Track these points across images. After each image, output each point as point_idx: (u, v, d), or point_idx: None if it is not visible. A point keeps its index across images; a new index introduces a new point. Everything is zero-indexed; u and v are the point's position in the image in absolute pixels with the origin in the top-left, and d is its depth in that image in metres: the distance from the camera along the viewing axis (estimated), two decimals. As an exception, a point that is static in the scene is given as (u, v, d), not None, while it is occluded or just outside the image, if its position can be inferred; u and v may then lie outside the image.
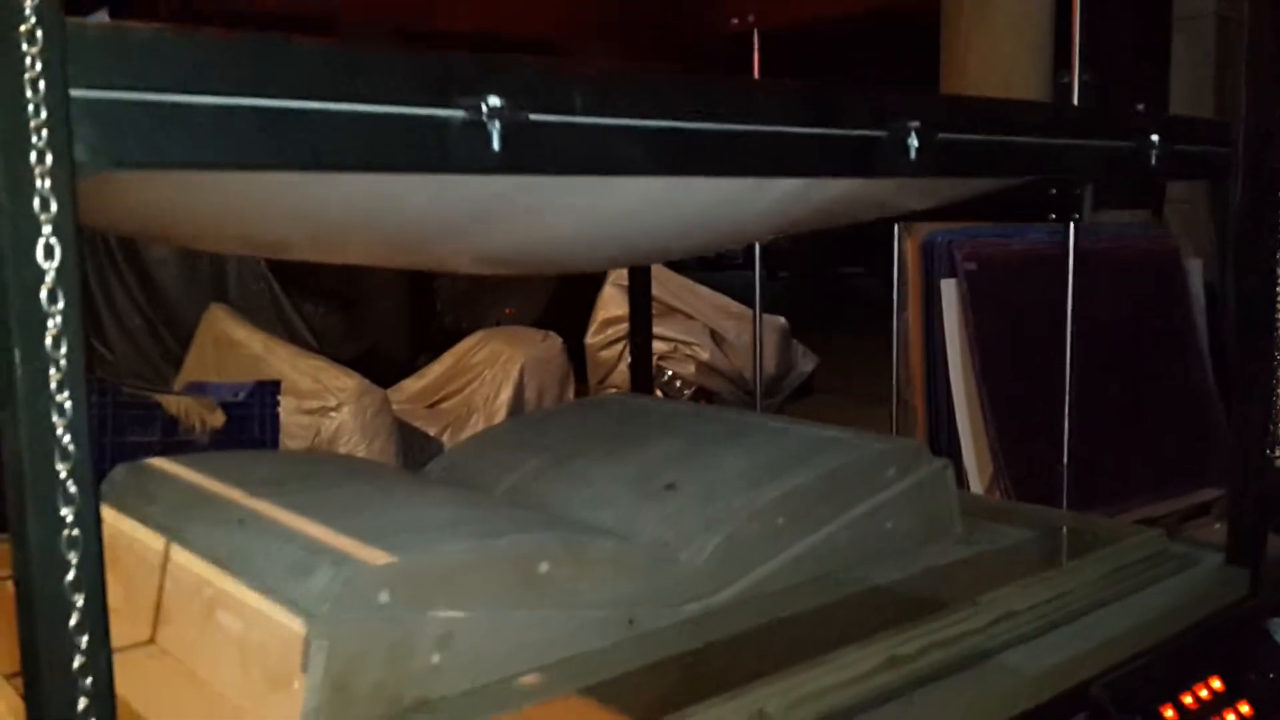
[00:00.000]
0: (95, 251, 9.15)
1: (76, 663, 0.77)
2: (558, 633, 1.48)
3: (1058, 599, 1.70)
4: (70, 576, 0.76)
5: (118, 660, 0.79)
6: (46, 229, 0.73)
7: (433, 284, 10.57)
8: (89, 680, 0.77)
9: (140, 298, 9.40)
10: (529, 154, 0.99)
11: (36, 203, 0.73)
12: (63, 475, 0.75)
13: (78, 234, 0.74)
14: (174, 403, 3.83)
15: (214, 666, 1.42)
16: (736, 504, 1.71)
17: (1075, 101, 3.02)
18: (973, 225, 4.82)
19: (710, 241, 2.30)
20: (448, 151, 0.94)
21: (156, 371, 8.26)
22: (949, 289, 4.48)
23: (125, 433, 3.62)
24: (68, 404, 0.75)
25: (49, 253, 0.73)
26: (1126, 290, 4.68)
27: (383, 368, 6.55)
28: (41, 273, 0.73)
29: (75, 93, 0.74)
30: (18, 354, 0.73)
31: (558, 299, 8.57)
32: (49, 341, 0.74)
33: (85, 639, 0.77)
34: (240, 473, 1.84)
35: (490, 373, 5.89)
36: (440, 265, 2.98)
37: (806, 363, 7.06)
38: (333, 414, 5.09)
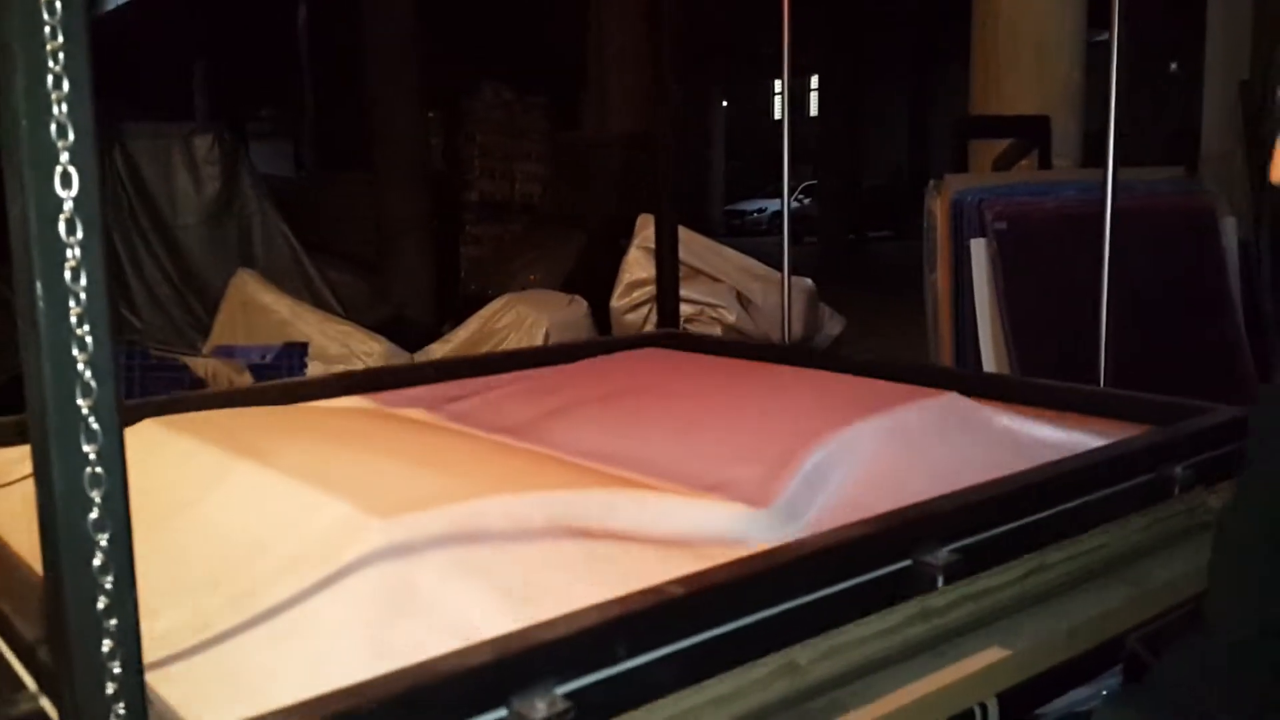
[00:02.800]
0: (122, 218, 9.20)
1: (100, 604, 0.75)
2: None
3: (1093, 551, 1.67)
4: (94, 515, 0.75)
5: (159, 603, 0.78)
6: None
7: (457, 251, 10.57)
8: (114, 622, 0.76)
9: (168, 264, 9.45)
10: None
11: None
12: (85, 411, 0.74)
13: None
14: (202, 365, 3.84)
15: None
16: (778, 450, 1.69)
17: (1114, 61, 2.93)
18: (1004, 183, 4.76)
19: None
20: None
21: (185, 339, 8.31)
22: (978, 249, 4.41)
23: (153, 395, 3.62)
24: (89, 339, 0.73)
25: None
26: (1160, 248, 4.60)
27: (407, 334, 6.56)
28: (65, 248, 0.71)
29: None
30: (39, 286, 0.72)
31: (582, 264, 8.55)
32: (68, 274, 0.72)
33: (110, 580, 0.75)
34: (269, 421, 1.84)
35: (516, 336, 5.88)
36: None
37: (834, 325, 7.00)
38: (359, 378, 5.09)
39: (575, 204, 10.00)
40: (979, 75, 6.06)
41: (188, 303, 9.36)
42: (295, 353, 4.17)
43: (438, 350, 6.27)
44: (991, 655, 1.43)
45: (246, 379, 3.88)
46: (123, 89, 11.86)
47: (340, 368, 5.14)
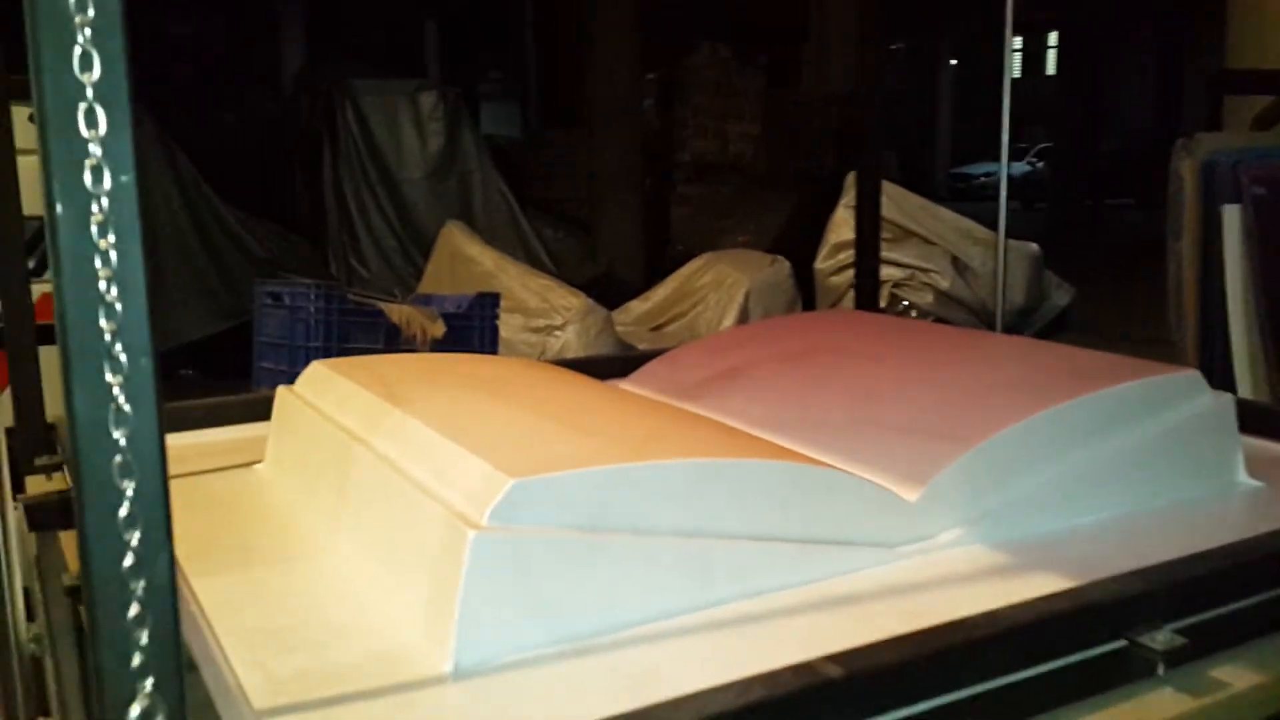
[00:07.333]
0: (353, 171, 9.57)
1: (128, 561, 0.65)
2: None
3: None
4: (118, 459, 0.64)
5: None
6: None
7: (668, 210, 10.51)
8: (141, 583, 0.65)
9: (393, 216, 9.78)
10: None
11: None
12: (108, 337, 0.63)
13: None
14: (397, 312, 3.88)
15: (389, 551, 1.34)
16: (974, 434, 1.48)
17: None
18: (1263, 145, 4.27)
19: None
20: None
21: (407, 288, 8.59)
22: (1232, 216, 3.98)
23: (350, 339, 3.69)
24: (112, 253, 0.62)
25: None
26: None
27: (613, 292, 6.53)
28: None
29: None
30: (57, 193, 0.61)
31: (792, 225, 8.30)
32: (88, 176, 0.61)
33: (136, 535, 0.65)
34: (433, 372, 1.77)
35: (715, 296, 5.74)
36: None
37: (1061, 296, 6.52)
38: (558, 332, 5.09)
39: (788, 164, 9.73)
40: (1238, 27, 5.49)
41: (409, 253, 9.68)
42: (488, 303, 4.16)
43: (636, 308, 6.21)
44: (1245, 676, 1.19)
45: (439, 327, 3.89)
46: (359, 50, 12.33)
47: (540, 321, 5.14)
